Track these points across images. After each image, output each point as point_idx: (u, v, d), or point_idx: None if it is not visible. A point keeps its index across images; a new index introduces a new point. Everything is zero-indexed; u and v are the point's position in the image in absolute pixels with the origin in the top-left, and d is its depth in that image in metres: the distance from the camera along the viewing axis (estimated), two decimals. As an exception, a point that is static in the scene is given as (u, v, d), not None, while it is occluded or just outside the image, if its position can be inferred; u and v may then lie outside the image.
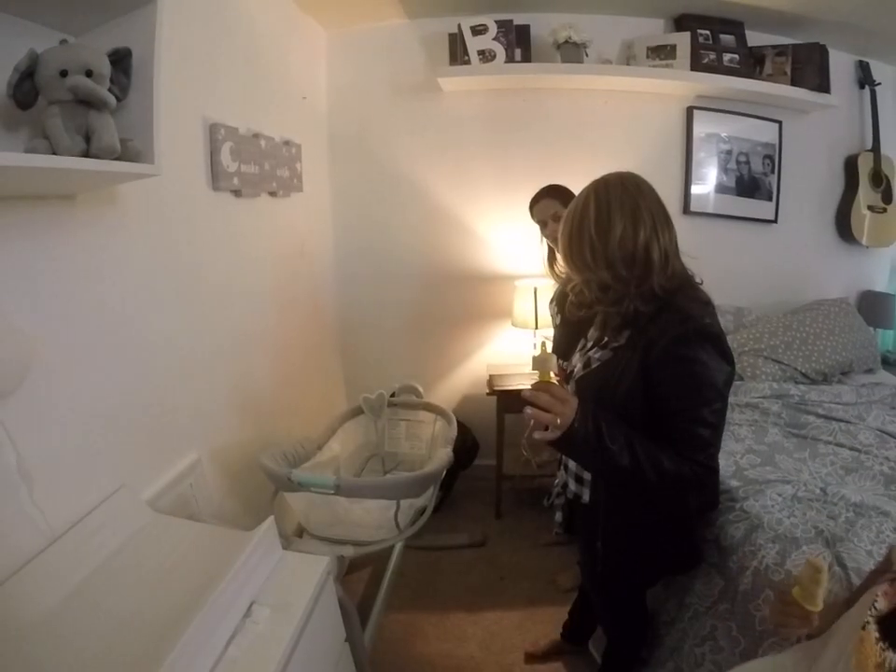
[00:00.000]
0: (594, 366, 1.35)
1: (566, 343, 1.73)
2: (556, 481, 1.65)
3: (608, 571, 1.53)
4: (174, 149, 1.56)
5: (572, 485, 1.52)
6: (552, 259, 2.19)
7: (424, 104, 2.88)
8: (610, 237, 1.20)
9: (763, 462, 1.99)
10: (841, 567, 1.42)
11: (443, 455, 2.02)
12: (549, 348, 1.26)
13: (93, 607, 1.17)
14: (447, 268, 3.08)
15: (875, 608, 0.90)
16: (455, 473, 2.95)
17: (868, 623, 0.89)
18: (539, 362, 1.16)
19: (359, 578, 2.54)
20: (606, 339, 1.37)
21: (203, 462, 1.82)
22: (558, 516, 1.67)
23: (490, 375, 2.94)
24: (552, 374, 1.15)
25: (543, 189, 2.18)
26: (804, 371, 2.76)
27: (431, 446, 2.52)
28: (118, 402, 1.47)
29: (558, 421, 1.11)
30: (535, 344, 2.83)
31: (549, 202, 2.12)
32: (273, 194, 2.31)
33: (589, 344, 1.44)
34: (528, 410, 1.10)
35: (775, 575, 1.47)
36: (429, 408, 2.54)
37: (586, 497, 1.47)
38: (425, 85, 2.82)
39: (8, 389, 1.13)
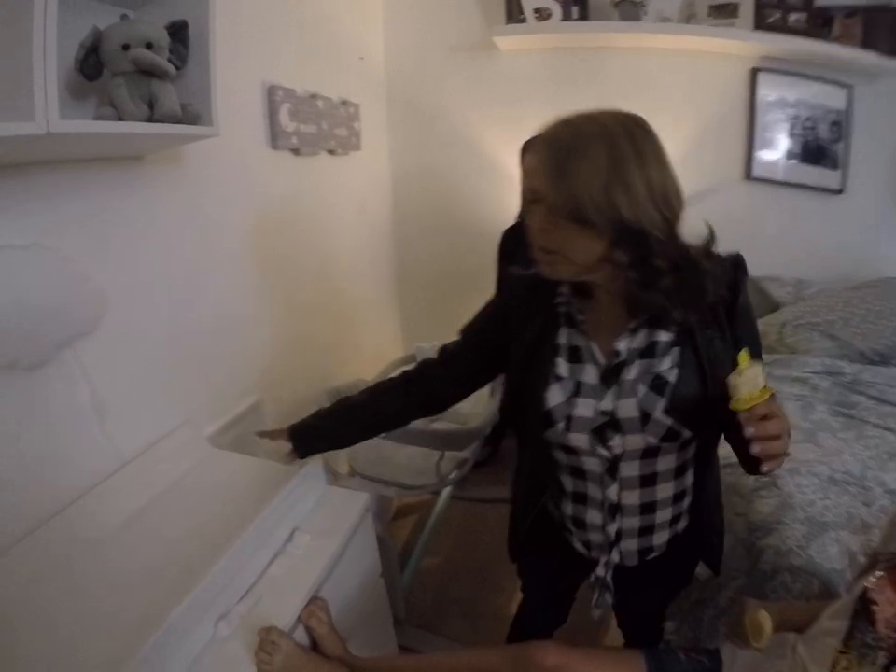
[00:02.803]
0: (673, 380, 0.97)
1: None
2: (603, 560, 1.15)
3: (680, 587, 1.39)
4: (234, 112, 1.66)
5: (632, 544, 1.12)
6: None
7: (481, 63, 2.88)
8: (653, 178, 0.90)
9: (805, 439, 1.91)
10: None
11: (489, 411, 2.08)
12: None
13: (154, 526, 1.32)
14: (503, 225, 3.08)
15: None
16: (505, 428, 2.99)
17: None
18: (749, 380, 0.83)
19: (405, 524, 2.66)
20: (644, 345, 1.00)
21: (263, 404, 1.96)
22: (607, 597, 1.16)
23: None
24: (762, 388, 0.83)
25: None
26: (860, 349, 2.62)
27: (475, 402, 2.59)
28: (183, 347, 1.61)
29: (788, 447, 0.85)
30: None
31: None
32: (331, 152, 2.40)
33: (630, 367, 1.00)
34: (756, 448, 0.81)
35: (796, 559, 1.42)
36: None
37: (662, 538, 1.13)
38: (481, 44, 2.82)
39: (86, 330, 1.27)
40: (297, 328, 2.22)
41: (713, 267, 0.95)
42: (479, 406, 2.49)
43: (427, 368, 1.27)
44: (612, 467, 1.03)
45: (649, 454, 1.01)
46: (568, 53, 2.81)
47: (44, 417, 1.22)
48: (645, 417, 0.97)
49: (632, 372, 0.99)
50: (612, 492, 1.05)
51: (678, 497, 1.09)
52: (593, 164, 0.86)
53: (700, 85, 2.79)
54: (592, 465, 1.05)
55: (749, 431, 0.81)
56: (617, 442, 0.99)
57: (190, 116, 1.25)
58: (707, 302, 0.95)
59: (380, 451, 1.91)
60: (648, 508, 1.08)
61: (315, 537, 1.33)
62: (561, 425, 1.01)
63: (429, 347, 2.56)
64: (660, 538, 1.13)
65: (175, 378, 1.59)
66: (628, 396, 0.98)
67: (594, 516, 1.11)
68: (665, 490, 1.07)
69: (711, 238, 0.98)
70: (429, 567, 2.44)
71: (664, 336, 0.98)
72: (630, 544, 1.12)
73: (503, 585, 2.35)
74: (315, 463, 1.44)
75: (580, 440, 1.01)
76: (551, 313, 1.06)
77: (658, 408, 0.96)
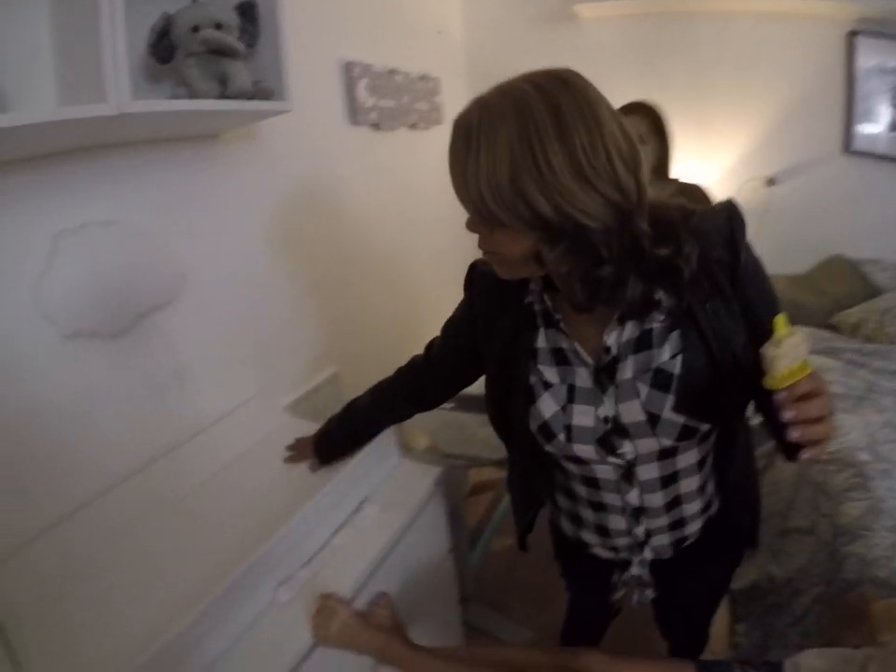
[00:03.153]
0: (678, 371, 0.83)
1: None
2: (637, 559, 1.05)
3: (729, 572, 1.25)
4: (310, 88, 1.69)
5: (664, 539, 1.02)
6: None
7: (561, 33, 2.78)
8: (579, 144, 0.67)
9: (903, 439, 1.76)
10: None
11: None
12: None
13: (227, 489, 1.37)
14: None
15: None
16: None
17: None
18: (789, 351, 0.68)
19: (480, 502, 2.63)
20: (636, 334, 0.84)
21: (340, 376, 2.01)
22: (648, 593, 1.10)
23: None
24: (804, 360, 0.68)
25: (630, 104, 1.84)
26: (968, 342, 2.38)
27: None
28: (260, 319, 1.67)
29: (832, 431, 0.69)
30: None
31: (636, 120, 1.79)
32: (412, 127, 2.40)
33: (626, 371, 0.85)
34: (796, 434, 0.66)
35: (881, 570, 1.33)
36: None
37: (695, 527, 1.02)
38: (561, 13, 2.71)
39: (164, 302, 1.35)
40: (376, 304, 2.25)
41: (697, 231, 0.77)
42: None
43: (416, 366, 1.20)
44: (628, 472, 0.92)
45: (666, 454, 0.89)
46: (652, 20, 2.66)
47: (124, 383, 1.30)
48: (653, 419, 0.84)
49: (628, 370, 0.85)
50: (633, 496, 0.95)
51: (704, 486, 0.99)
52: (496, 148, 0.67)
53: (793, 51, 2.57)
54: (605, 472, 0.94)
55: (788, 415, 0.66)
56: (628, 449, 0.88)
57: (263, 92, 1.28)
58: (688, 279, 0.76)
59: (462, 428, 1.89)
60: (673, 504, 0.97)
61: (384, 508, 1.34)
62: (562, 436, 0.89)
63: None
64: (693, 527, 1.02)
65: (252, 348, 1.65)
66: (630, 398, 0.85)
67: (616, 521, 1.01)
68: (689, 484, 0.96)
69: (684, 206, 0.78)
70: (501, 547, 2.41)
71: (657, 320, 0.82)
72: (662, 539, 1.02)
73: (573, 572, 2.31)
74: (389, 435, 1.45)
75: (585, 450, 0.90)
76: (524, 312, 0.91)
77: (666, 407, 0.83)
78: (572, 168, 0.66)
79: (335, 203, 1.96)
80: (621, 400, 0.86)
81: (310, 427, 1.59)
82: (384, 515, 1.33)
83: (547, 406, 0.90)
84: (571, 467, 0.98)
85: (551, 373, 0.90)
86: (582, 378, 0.88)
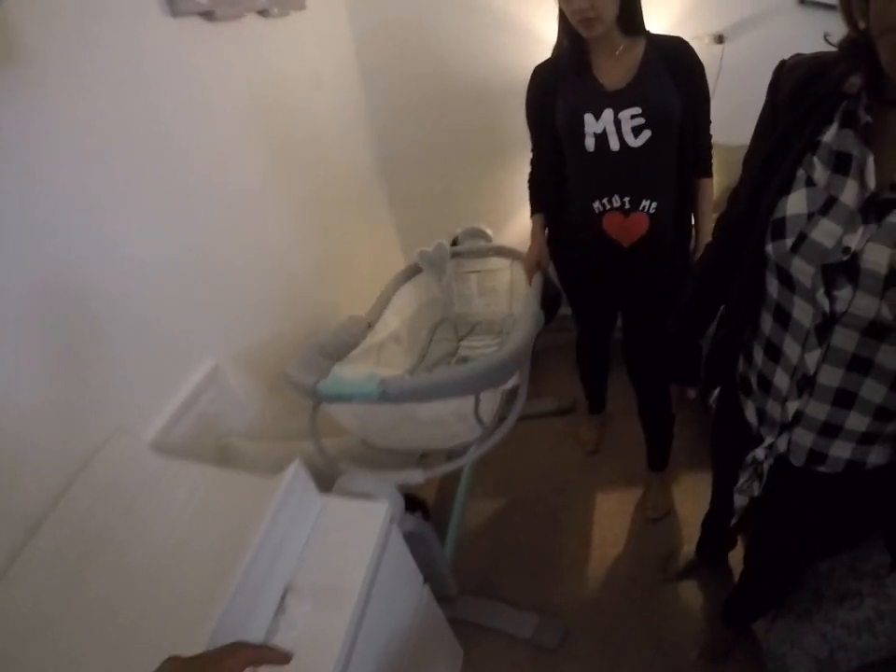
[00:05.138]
0: None
1: None
2: (769, 440, 1.01)
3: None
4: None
5: (806, 439, 0.95)
6: (577, 47, 1.59)
7: None
8: None
9: None
10: None
11: (529, 316, 1.53)
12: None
13: (85, 603, 0.89)
14: (508, 83, 2.39)
15: None
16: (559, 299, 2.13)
17: None
18: None
19: (435, 459, 2.25)
20: None
21: (222, 369, 1.46)
22: (755, 487, 1.07)
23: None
24: None
25: None
26: None
27: (511, 299, 2.07)
28: (76, 322, 1.08)
29: None
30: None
31: None
32: (263, 13, 1.75)
33: None
34: None
35: None
36: (502, 252, 2.05)
37: (842, 452, 0.93)
38: None
39: None
40: (254, 260, 1.67)
41: None
42: (515, 307, 1.99)
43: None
44: (824, 326, 0.82)
45: (874, 332, 0.78)
46: None
47: None
48: (892, 279, 0.72)
49: None
50: (812, 359, 0.86)
51: (884, 414, 0.86)
52: None
53: None
54: (802, 313, 0.87)
55: None
56: (844, 295, 0.77)
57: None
58: None
59: (392, 411, 1.42)
60: (844, 398, 0.87)
61: (317, 601, 0.89)
62: (789, 241, 0.82)
63: (433, 249, 1.97)
64: (840, 449, 0.93)
65: (75, 379, 1.07)
66: (883, 242, 0.73)
67: (781, 380, 0.95)
68: (873, 390, 0.84)
69: None
70: (474, 514, 2.08)
71: None
72: (804, 437, 0.95)
73: (561, 522, 2.01)
74: (297, 473, 0.97)
75: (803, 270, 0.82)
76: (825, 104, 0.79)
77: None
78: None
79: (161, 140, 1.31)
80: (875, 239, 0.74)
81: (191, 472, 1.10)
82: (319, 612, 0.88)
83: (795, 203, 0.82)
84: (773, 286, 0.91)
85: (821, 174, 0.80)
86: (850, 196, 0.77)
